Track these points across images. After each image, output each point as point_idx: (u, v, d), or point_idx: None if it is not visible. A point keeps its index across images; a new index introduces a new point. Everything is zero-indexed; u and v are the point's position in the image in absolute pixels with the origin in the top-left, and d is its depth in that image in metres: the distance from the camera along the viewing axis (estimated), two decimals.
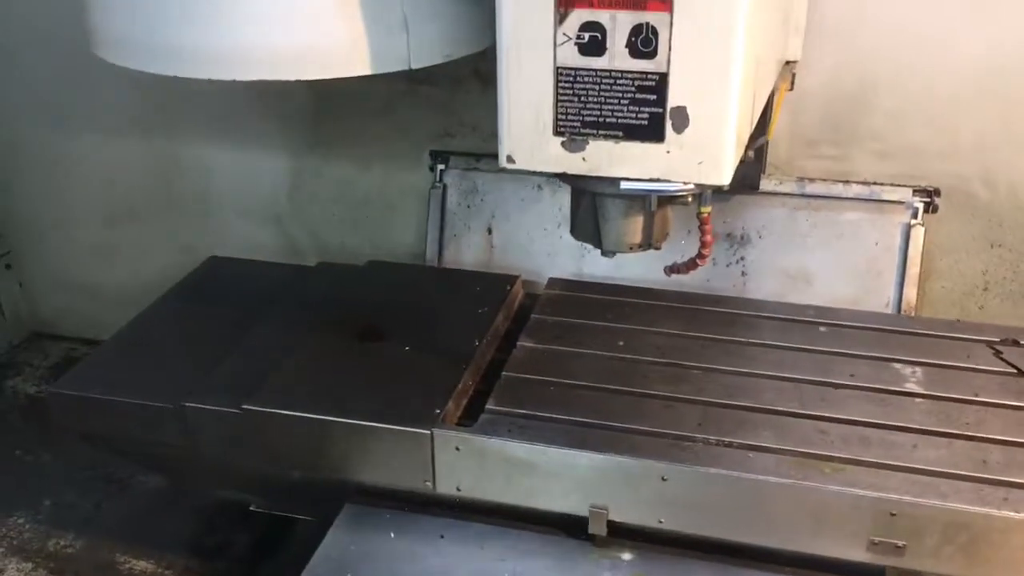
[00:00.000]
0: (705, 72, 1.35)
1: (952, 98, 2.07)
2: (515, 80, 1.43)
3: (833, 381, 1.78)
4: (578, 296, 2.11)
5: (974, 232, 2.18)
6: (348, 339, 1.95)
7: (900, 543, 1.51)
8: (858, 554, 1.54)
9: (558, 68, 1.40)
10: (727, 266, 2.28)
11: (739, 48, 1.33)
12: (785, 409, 1.71)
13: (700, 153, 1.40)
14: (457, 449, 1.66)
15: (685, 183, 1.44)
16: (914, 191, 2.15)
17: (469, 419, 1.73)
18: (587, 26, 1.37)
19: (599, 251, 1.62)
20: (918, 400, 1.73)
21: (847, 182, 2.18)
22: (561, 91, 1.41)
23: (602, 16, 1.36)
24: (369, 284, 2.19)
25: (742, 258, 2.27)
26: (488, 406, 1.73)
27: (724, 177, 1.42)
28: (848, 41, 2.08)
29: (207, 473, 1.99)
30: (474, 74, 2.31)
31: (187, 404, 1.81)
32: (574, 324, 1.99)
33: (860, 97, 2.12)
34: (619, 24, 1.36)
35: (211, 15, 1.49)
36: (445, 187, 2.40)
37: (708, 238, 1.55)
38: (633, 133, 1.41)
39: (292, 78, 1.54)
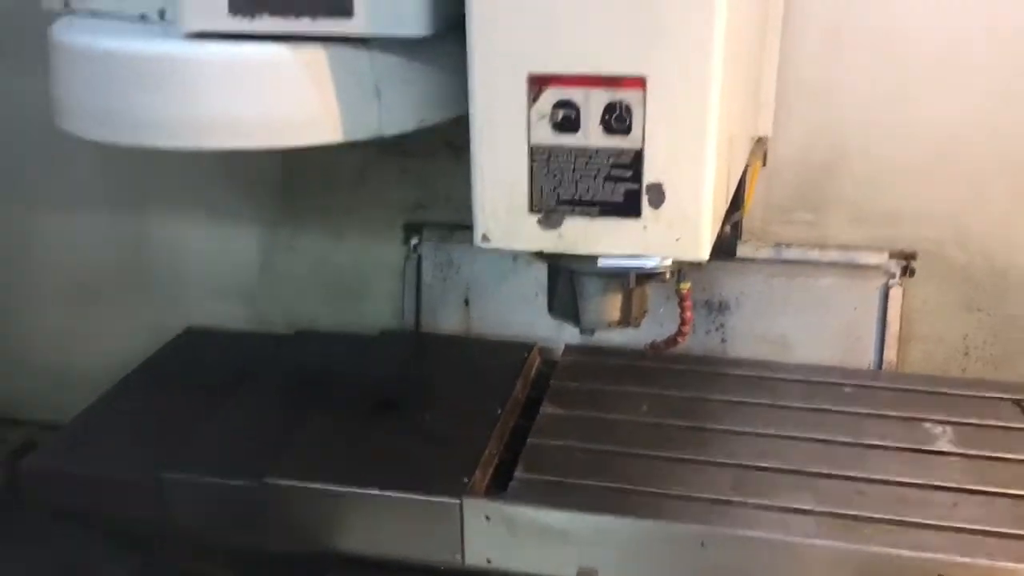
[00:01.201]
0: (680, 148, 1.34)
1: (922, 164, 2.08)
2: (489, 159, 1.42)
3: (864, 442, 1.78)
4: (596, 361, 2.12)
5: (952, 297, 2.17)
6: (362, 410, 1.93)
7: None
8: None
9: (532, 146, 1.39)
10: (706, 333, 2.26)
11: (713, 123, 1.32)
12: (819, 471, 1.70)
13: (677, 229, 1.39)
14: (487, 518, 1.62)
15: (663, 259, 1.42)
16: (891, 254, 2.15)
17: (496, 488, 1.71)
18: (561, 104, 1.36)
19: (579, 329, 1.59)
20: (952, 459, 1.73)
21: (823, 247, 2.18)
22: (536, 169, 1.40)
23: (575, 94, 1.35)
24: (378, 353, 2.19)
25: (721, 325, 2.25)
26: (516, 474, 1.70)
27: (702, 252, 1.40)
28: (816, 111, 2.09)
29: (188, 552, 1.91)
30: (446, 145, 2.29)
31: (194, 479, 1.78)
32: (595, 389, 2.00)
33: (832, 165, 2.12)
34: (593, 102, 1.35)
35: (173, 83, 1.46)
36: (420, 259, 2.37)
37: (688, 315, 1.54)
38: (609, 209, 1.40)
39: (259, 147, 1.51)
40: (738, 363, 2.15)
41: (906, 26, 2.01)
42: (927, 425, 1.83)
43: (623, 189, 1.38)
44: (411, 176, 2.36)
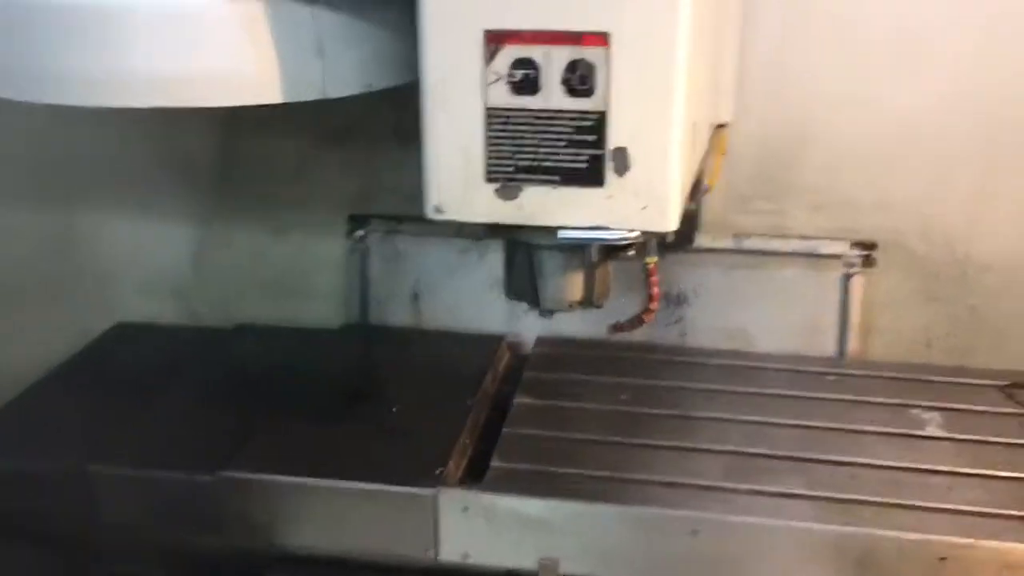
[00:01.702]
0: (646, 110, 1.27)
1: (884, 152, 2.04)
2: (442, 123, 1.33)
3: (852, 428, 1.74)
4: (569, 352, 2.05)
5: (913, 287, 2.12)
6: (322, 403, 1.84)
7: None
8: None
9: (489, 109, 1.30)
10: (666, 326, 2.18)
11: (681, 82, 1.25)
12: (810, 456, 1.64)
13: (644, 197, 1.30)
14: (465, 510, 1.52)
15: (628, 231, 1.33)
16: (851, 244, 2.09)
17: (471, 481, 1.61)
18: (519, 63, 1.28)
19: (536, 311, 1.50)
20: (944, 443, 1.69)
21: (783, 237, 2.11)
22: (492, 134, 1.31)
23: (535, 52, 1.27)
24: (334, 347, 2.11)
25: (680, 318, 2.17)
26: (493, 463, 1.61)
27: (670, 222, 1.32)
28: (777, 99, 2.04)
29: (120, 552, 1.77)
30: (393, 132, 2.19)
31: (129, 472, 1.66)
32: (572, 380, 1.92)
33: (792, 153, 2.07)
34: (554, 61, 1.27)
35: (96, 35, 1.35)
36: (366, 252, 2.26)
37: (655, 291, 1.45)
38: (571, 178, 1.31)
39: (192, 105, 1.40)
40: (717, 353, 2.08)
41: (867, 13, 1.96)
42: (914, 411, 1.80)
43: (586, 155, 1.29)
44: (355, 166, 2.25)
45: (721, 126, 2.00)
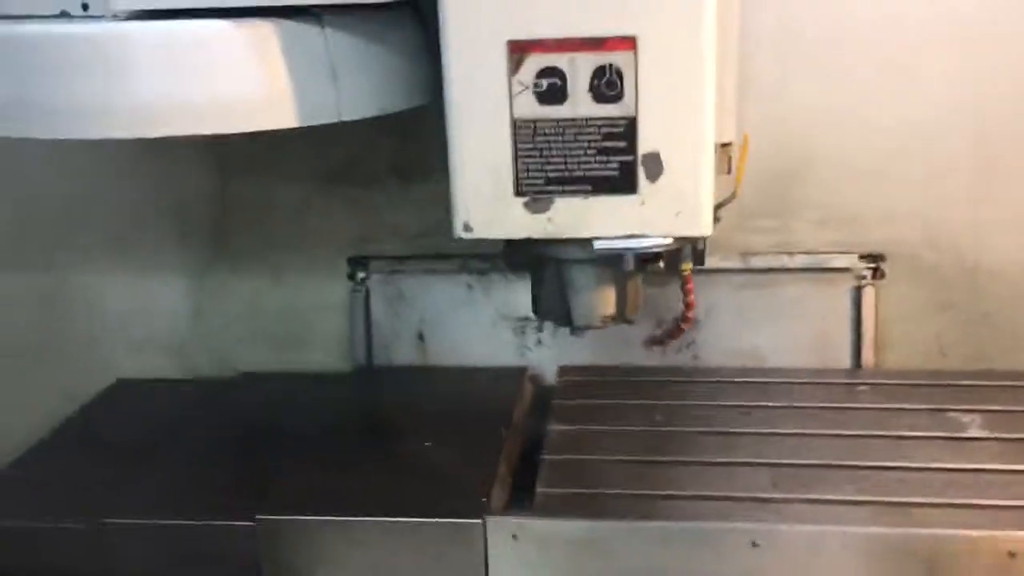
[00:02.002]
0: (676, 113, 1.26)
1: (885, 164, 2.04)
2: (468, 138, 1.30)
3: (893, 434, 1.71)
4: (595, 380, 2.02)
5: (923, 297, 2.11)
6: (356, 441, 1.80)
7: None
8: None
9: (516, 120, 1.28)
10: (677, 352, 2.15)
11: (711, 83, 1.24)
12: (856, 463, 1.61)
13: (677, 202, 1.29)
14: (514, 538, 1.44)
15: (663, 237, 1.31)
16: (859, 257, 2.08)
17: (516, 508, 1.55)
18: (545, 72, 1.26)
19: (568, 329, 1.47)
20: (989, 443, 1.67)
21: (791, 253, 2.10)
22: (521, 146, 1.29)
23: (560, 60, 1.25)
24: (360, 389, 2.07)
25: (692, 341, 2.14)
26: (539, 489, 1.55)
27: (704, 227, 1.30)
28: (777, 116, 2.04)
29: None
30: (392, 170, 2.17)
31: (144, 523, 1.57)
32: (602, 405, 1.88)
33: (795, 169, 2.06)
34: (579, 68, 1.26)
35: (108, 67, 1.32)
36: (367, 294, 2.21)
37: (691, 299, 1.44)
38: (603, 186, 1.29)
39: (206, 132, 1.38)
40: (741, 371, 2.05)
41: (863, 27, 1.98)
42: (952, 414, 1.77)
43: (617, 162, 1.27)
44: (354, 207, 2.21)
45: (725, 145, 2.00)
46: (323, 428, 1.84)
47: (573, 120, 1.26)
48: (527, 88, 1.26)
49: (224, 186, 2.24)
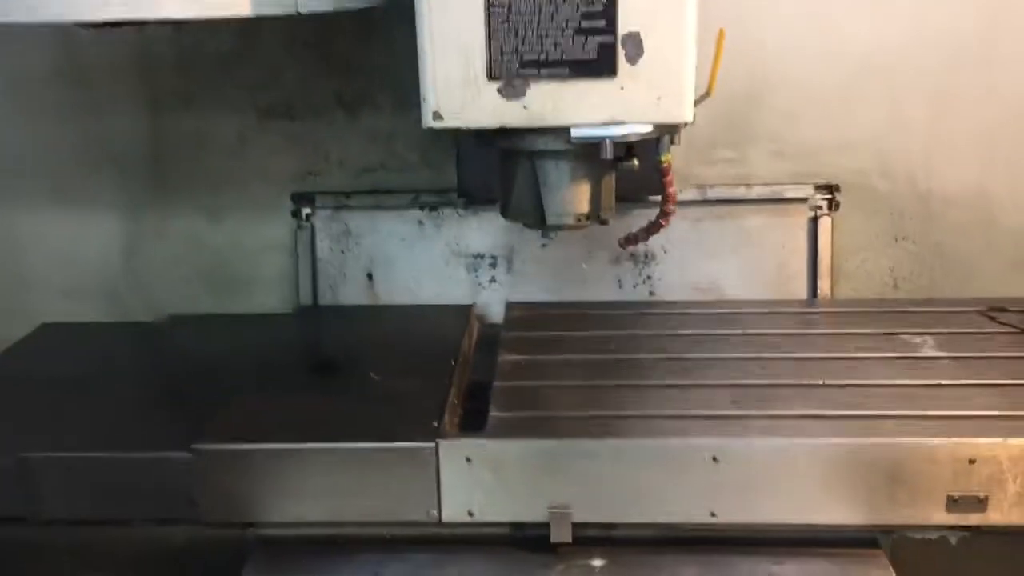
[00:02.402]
0: None
1: (842, 91, 2.03)
2: (439, 17, 1.23)
3: (849, 355, 1.70)
4: (545, 314, 1.97)
5: (877, 228, 2.11)
6: (300, 376, 1.74)
7: (982, 495, 1.36)
8: (938, 515, 1.39)
9: None
10: (634, 287, 2.11)
11: None
12: (815, 382, 1.59)
13: (658, 87, 1.24)
14: (468, 461, 1.39)
15: (644, 123, 1.25)
16: (815, 187, 2.07)
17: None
18: None
19: (539, 231, 1.41)
20: (944, 361, 1.67)
21: (748, 185, 2.08)
22: (494, 26, 1.22)
23: None
24: (302, 328, 1.99)
25: (649, 276, 2.11)
26: (492, 413, 1.50)
27: (686, 113, 1.26)
28: (733, 45, 1.98)
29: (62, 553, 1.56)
30: (337, 102, 2.08)
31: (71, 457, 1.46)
32: (554, 336, 1.83)
33: (752, 96, 2.04)
34: None
35: None
36: (313, 231, 2.12)
37: (671, 190, 1.38)
38: (581, 69, 1.23)
39: (159, 17, 1.30)
40: (693, 303, 2.03)
41: None
42: (905, 337, 1.77)
43: (596, 42, 1.22)
44: (298, 141, 2.12)
45: None
46: (263, 366, 1.75)
47: None
48: None
49: (156, 122, 2.12)
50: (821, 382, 1.59)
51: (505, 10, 1.20)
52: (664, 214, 1.40)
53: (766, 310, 1.97)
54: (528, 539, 1.44)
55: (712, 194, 2.09)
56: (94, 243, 2.18)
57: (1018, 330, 1.78)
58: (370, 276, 2.13)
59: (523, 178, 1.35)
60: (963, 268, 2.12)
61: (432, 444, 1.41)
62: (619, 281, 2.11)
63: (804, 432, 1.44)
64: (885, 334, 1.81)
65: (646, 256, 2.11)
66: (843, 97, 2.04)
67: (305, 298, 2.14)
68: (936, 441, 1.39)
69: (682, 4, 1.20)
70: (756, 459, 1.41)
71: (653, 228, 1.43)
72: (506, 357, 1.73)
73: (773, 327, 1.86)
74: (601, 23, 1.20)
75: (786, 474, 1.41)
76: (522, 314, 1.97)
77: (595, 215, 1.38)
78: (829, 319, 1.91)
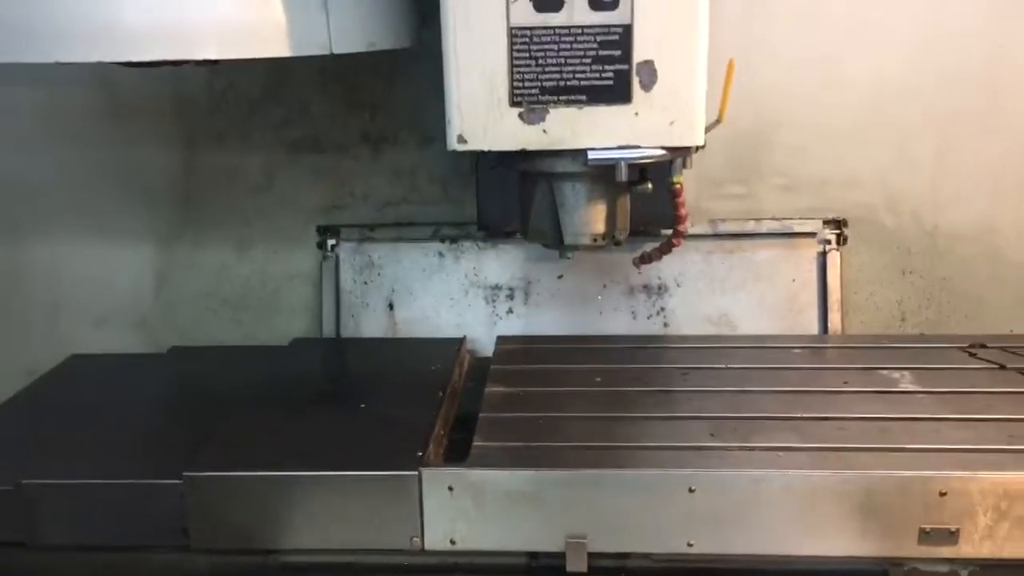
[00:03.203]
0: (672, 20, 1.28)
1: (849, 128, 2.10)
2: (464, 47, 1.31)
3: (830, 389, 1.73)
4: (535, 348, 2.00)
5: (885, 262, 2.17)
6: (292, 405, 1.75)
7: (954, 528, 1.38)
8: (910, 548, 1.40)
9: (512, 29, 1.29)
10: (648, 318, 2.17)
11: None
12: (795, 415, 1.62)
13: (671, 112, 1.31)
14: (450, 489, 1.42)
15: (657, 148, 1.32)
16: (824, 222, 2.13)
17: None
18: None
19: (559, 252, 1.47)
20: (920, 396, 1.69)
21: (757, 219, 2.14)
22: (517, 55, 1.30)
23: None
24: (295, 360, 2.00)
25: (662, 308, 2.16)
26: (476, 443, 1.53)
27: (697, 137, 1.32)
28: (743, 82, 2.06)
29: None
30: (363, 138, 2.17)
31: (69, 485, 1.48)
32: (541, 369, 1.86)
33: (760, 134, 2.11)
34: None
35: None
36: (338, 262, 2.19)
37: (683, 211, 1.44)
38: (598, 96, 1.31)
39: (196, 57, 1.37)
40: (682, 338, 2.07)
41: None
42: (884, 372, 1.80)
43: (612, 71, 1.30)
44: (324, 175, 2.20)
45: None
46: (259, 396, 1.79)
47: (569, 28, 1.28)
48: None
49: (189, 156, 2.21)
50: (799, 415, 1.62)
51: (527, 40, 1.28)
52: (677, 234, 1.46)
53: (751, 345, 2.00)
54: (509, 568, 1.48)
55: (723, 228, 2.15)
56: (126, 273, 2.25)
57: (997, 366, 1.81)
58: (391, 306, 2.20)
59: (542, 199, 1.42)
60: (969, 302, 2.18)
61: (415, 473, 1.44)
62: (633, 313, 2.17)
63: (778, 464, 1.45)
64: (865, 368, 1.83)
65: (659, 289, 2.17)
66: (850, 134, 2.10)
67: (328, 327, 2.20)
68: (907, 474, 1.41)
69: (694, 34, 1.27)
70: (730, 490, 1.43)
71: (666, 248, 1.49)
72: (493, 389, 1.76)
73: (757, 362, 1.89)
74: (617, 52, 1.28)
75: (759, 505, 1.43)
76: (512, 347, 2.00)
77: (610, 235, 1.44)
78: (812, 355, 1.95)
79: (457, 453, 1.56)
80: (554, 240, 1.44)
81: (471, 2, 1.29)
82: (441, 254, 2.19)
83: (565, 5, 1.28)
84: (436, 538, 1.45)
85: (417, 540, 1.45)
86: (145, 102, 2.17)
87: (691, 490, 1.40)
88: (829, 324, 2.13)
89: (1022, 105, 2.06)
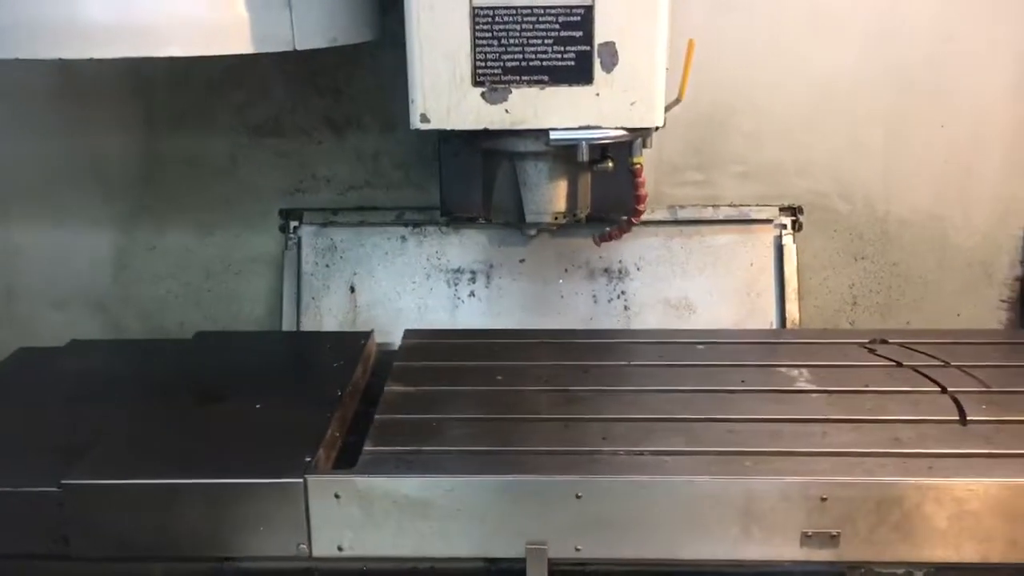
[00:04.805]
0: (634, 2, 1.31)
1: (804, 117, 2.14)
2: (427, 27, 1.33)
3: (726, 388, 1.73)
4: (441, 343, 1.98)
5: (838, 247, 2.22)
6: (184, 406, 1.70)
7: (835, 531, 1.40)
8: (792, 551, 1.42)
9: (475, 8, 1.31)
10: (608, 302, 2.20)
11: None
12: (687, 416, 1.62)
13: (631, 93, 1.34)
14: (336, 497, 1.41)
15: (618, 128, 1.35)
16: (780, 209, 2.18)
17: (344, 468, 1.50)
18: None
19: (520, 230, 1.50)
20: (814, 395, 1.70)
21: (715, 206, 2.18)
22: (479, 35, 1.32)
23: None
24: (197, 355, 1.94)
25: (623, 292, 2.19)
26: (366, 447, 1.51)
27: (657, 117, 1.36)
28: (702, 71, 2.10)
29: None
30: (325, 122, 2.17)
31: None
32: (444, 367, 1.84)
33: (719, 122, 2.15)
34: None
35: None
36: (299, 245, 2.20)
37: (642, 191, 1.47)
38: (559, 76, 1.33)
39: (160, 54, 1.37)
40: (587, 332, 2.07)
41: None
42: (782, 370, 1.80)
43: (574, 52, 1.32)
44: (287, 159, 2.20)
45: None
46: (153, 395, 1.74)
47: (532, 8, 1.30)
48: None
49: (150, 139, 2.20)
50: (692, 416, 1.63)
51: (490, 20, 1.30)
52: (636, 212, 1.49)
53: (655, 340, 2.00)
54: (396, 574, 1.49)
55: (682, 214, 2.19)
56: (84, 256, 2.24)
57: (894, 363, 1.82)
58: (352, 288, 2.21)
59: (504, 178, 1.44)
60: (918, 286, 2.24)
61: (300, 480, 1.42)
62: (594, 296, 2.20)
63: (663, 469, 1.46)
64: (767, 366, 1.84)
65: (620, 272, 2.20)
66: (805, 123, 2.15)
67: (289, 309, 2.20)
68: (789, 480, 1.42)
69: (654, 17, 1.30)
70: (616, 496, 1.43)
71: (625, 226, 1.52)
72: (392, 388, 1.74)
73: (659, 358, 1.89)
74: (579, 33, 1.31)
75: (644, 511, 1.44)
76: (418, 342, 1.98)
77: (571, 213, 1.47)
78: (713, 352, 1.92)
79: (351, 455, 1.54)
80: (516, 218, 1.47)
81: None
82: (404, 238, 2.20)
83: None
84: (323, 545, 1.45)
85: (304, 547, 1.44)
86: (104, 84, 2.15)
87: (578, 496, 1.41)
88: (786, 308, 2.17)
89: (968, 96, 2.11)
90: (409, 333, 2.03)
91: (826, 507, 1.40)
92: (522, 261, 2.17)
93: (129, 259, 2.25)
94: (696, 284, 2.19)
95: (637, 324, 2.19)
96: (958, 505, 1.40)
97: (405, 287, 2.21)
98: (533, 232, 1.50)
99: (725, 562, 1.45)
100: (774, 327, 2.18)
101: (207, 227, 2.23)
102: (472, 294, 2.20)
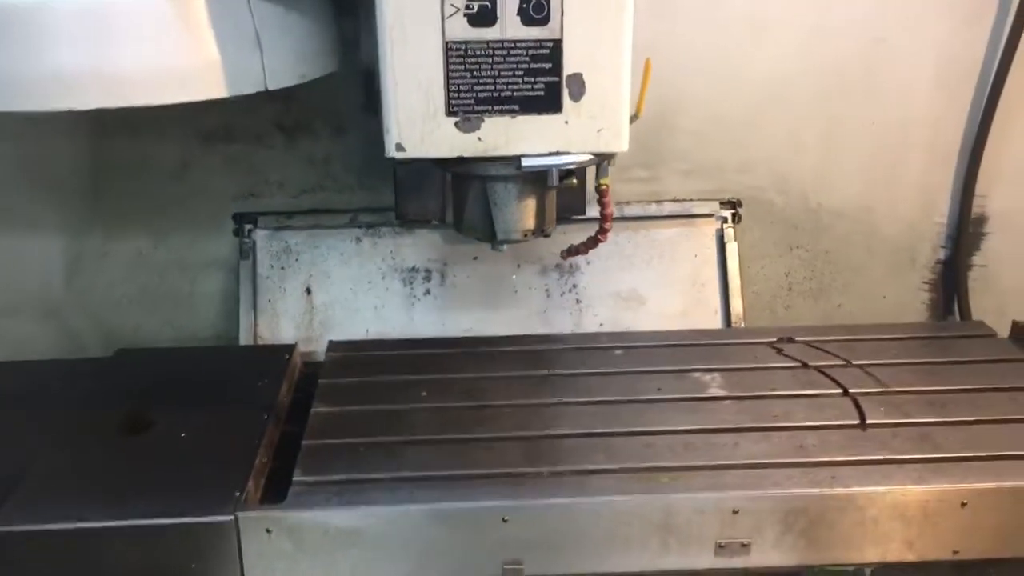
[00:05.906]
0: (601, 35, 1.37)
1: (745, 116, 2.24)
2: (401, 59, 1.37)
3: (643, 398, 1.80)
4: (366, 355, 2.01)
5: (775, 238, 2.34)
6: (105, 436, 1.66)
7: (746, 541, 1.49)
8: (707, 560, 1.51)
9: (447, 43, 1.35)
10: (561, 295, 2.27)
11: (630, 6, 1.36)
12: (607, 430, 1.69)
13: (599, 120, 1.40)
14: (268, 532, 1.42)
15: (585, 154, 1.42)
16: (720, 203, 2.28)
17: (275, 499, 1.52)
18: None
19: (492, 246, 1.55)
20: (726, 402, 1.79)
21: (660, 202, 2.27)
22: (452, 68, 1.36)
23: None
24: (119, 375, 1.91)
25: (574, 286, 2.27)
26: (296, 478, 1.53)
27: (623, 143, 1.42)
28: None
29: None
30: (277, 127, 2.18)
31: None
32: (368, 383, 1.87)
33: (664, 121, 2.22)
34: None
35: (20, 35, 1.29)
36: (254, 249, 2.22)
37: (609, 211, 1.54)
38: (530, 106, 1.39)
39: (136, 104, 1.37)
40: (510, 340, 2.09)
41: None
42: (696, 375, 1.88)
43: (543, 83, 1.38)
44: (239, 164, 2.21)
45: None
46: (75, 421, 1.70)
47: (502, 42, 1.35)
48: (459, 10, 1.34)
49: (99, 146, 2.18)
50: (610, 431, 1.69)
51: (462, 53, 1.35)
52: (603, 230, 1.56)
53: (573, 346, 2.06)
54: None
55: (628, 211, 2.27)
56: (34, 263, 2.22)
57: (799, 364, 1.91)
58: (308, 290, 2.24)
59: (475, 198, 1.50)
60: (848, 272, 2.37)
61: (231, 518, 1.42)
62: (547, 291, 2.27)
63: (585, 489, 1.53)
64: (679, 371, 1.92)
65: (571, 267, 2.28)
66: (745, 122, 2.24)
67: (246, 312, 2.22)
68: (702, 496, 1.50)
69: (620, 49, 1.36)
70: (540, 518, 1.49)
71: (591, 243, 1.60)
72: (319, 409, 1.77)
73: (578, 367, 1.95)
74: (548, 65, 1.36)
75: (568, 531, 1.50)
76: (342, 355, 2.01)
77: (540, 230, 1.53)
78: (631, 358, 1.99)
79: (280, 480, 1.57)
80: (487, 235, 1.52)
81: (407, 18, 1.34)
82: (358, 239, 2.24)
83: (498, 20, 1.35)
84: None
85: None
86: None
87: (504, 520, 1.46)
88: (731, 305, 2.28)
89: (895, 95, 2.23)
90: (333, 345, 2.05)
91: (737, 519, 1.49)
92: (476, 259, 2.23)
93: (81, 265, 2.24)
94: (644, 277, 2.28)
95: (589, 317, 2.27)
96: (859, 512, 1.49)
97: (361, 287, 2.24)
98: (503, 248, 1.55)
99: (647, 574, 1.52)
100: (718, 314, 2.28)
101: (161, 233, 2.23)
102: (428, 292, 2.26)
